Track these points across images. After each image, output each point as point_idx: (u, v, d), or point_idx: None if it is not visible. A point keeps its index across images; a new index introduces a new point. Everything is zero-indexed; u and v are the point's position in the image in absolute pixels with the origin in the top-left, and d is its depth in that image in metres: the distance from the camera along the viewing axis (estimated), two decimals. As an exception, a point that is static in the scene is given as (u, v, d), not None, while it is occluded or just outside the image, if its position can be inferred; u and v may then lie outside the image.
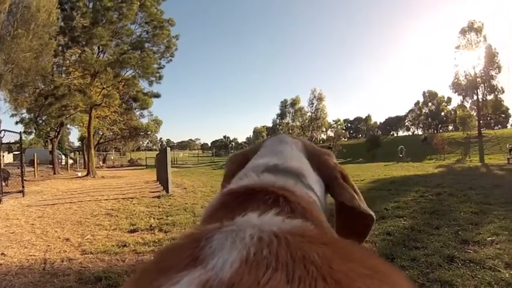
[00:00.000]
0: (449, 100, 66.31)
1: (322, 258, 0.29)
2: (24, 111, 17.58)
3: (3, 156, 14.97)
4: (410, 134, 77.86)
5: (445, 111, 70.03)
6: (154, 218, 5.49)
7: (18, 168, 10.41)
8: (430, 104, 74.63)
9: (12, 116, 17.49)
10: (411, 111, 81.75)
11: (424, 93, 75.39)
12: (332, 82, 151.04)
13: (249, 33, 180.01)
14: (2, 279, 2.97)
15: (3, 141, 11.16)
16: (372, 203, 5.80)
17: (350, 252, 0.33)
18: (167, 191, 8.71)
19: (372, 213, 0.55)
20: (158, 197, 8.17)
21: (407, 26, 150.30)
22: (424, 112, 76.27)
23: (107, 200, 8.04)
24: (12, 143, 12.04)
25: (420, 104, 76.78)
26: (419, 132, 75.53)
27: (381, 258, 0.34)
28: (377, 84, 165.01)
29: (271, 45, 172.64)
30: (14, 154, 27.02)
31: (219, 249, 0.30)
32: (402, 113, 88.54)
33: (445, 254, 3.15)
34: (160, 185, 10.66)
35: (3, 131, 10.49)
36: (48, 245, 4.08)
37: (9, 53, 9.72)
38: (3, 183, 10.44)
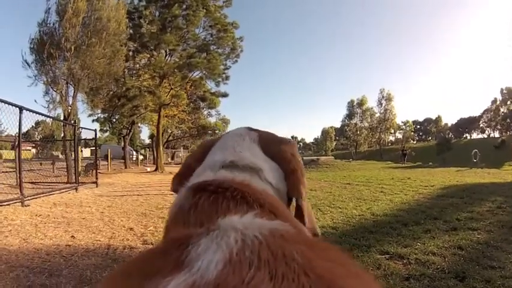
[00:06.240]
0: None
1: (302, 256, 0.31)
2: (99, 111, 19.52)
3: (82, 150, 16.88)
4: (485, 137, 69.65)
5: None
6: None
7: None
8: (509, 102, 64.52)
9: (90, 115, 19.65)
10: (487, 111, 72.22)
11: (502, 91, 65.45)
12: (399, 81, 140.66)
13: (313, 32, 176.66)
14: (69, 259, 3.22)
15: (81, 137, 12.65)
16: (443, 211, 5.45)
17: (327, 252, 0.35)
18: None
19: (318, 229, 0.61)
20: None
21: (482, 11, 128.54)
22: (502, 112, 66.57)
23: (172, 194, 8.43)
24: (89, 139, 13.58)
25: (498, 102, 67.46)
26: (496, 135, 66.85)
27: (353, 259, 0.36)
28: (448, 81, 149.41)
29: (339, 44, 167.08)
30: (91, 149, 30.37)
31: (204, 252, 0.32)
32: (476, 113, 79.56)
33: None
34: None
35: (81, 128, 11.86)
36: (113, 233, 4.28)
37: (84, 60, 10.77)
38: (87, 173, 11.91)
